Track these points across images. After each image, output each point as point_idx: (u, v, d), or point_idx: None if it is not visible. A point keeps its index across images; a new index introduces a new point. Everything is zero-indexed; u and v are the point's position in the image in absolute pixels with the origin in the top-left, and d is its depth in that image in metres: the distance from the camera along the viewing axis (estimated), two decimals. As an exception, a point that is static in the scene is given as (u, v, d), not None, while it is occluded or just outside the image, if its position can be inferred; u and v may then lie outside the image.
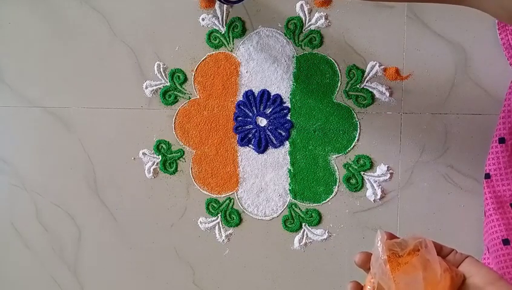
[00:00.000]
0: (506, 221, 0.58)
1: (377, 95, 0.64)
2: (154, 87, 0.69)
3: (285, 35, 0.66)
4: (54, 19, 0.72)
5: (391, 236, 0.40)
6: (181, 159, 0.69)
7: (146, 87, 0.69)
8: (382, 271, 0.38)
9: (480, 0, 0.34)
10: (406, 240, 0.40)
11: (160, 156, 0.69)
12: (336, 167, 0.65)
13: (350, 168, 0.65)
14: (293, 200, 0.66)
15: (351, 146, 0.65)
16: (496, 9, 0.33)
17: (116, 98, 0.70)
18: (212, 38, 0.68)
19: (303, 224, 0.66)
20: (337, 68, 0.65)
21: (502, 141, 0.59)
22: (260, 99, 0.67)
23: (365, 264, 0.41)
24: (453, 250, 0.41)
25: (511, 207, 0.58)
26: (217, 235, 0.68)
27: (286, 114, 0.67)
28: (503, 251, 0.57)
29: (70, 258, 0.71)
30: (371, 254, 0.40)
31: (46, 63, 0.72)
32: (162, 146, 0.69)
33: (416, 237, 0.40)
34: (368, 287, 0.39)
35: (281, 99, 0.67)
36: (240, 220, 0.68)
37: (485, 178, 0.60)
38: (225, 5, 0.66)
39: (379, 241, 0.39)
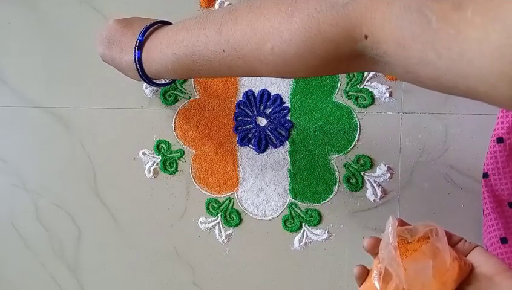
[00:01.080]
0: (504, 220, 0.58)
1: (377, 95, 0.64)
2: (154, 87, 0.69)
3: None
4: (54, 19, 0.72)
5: (402, 223, 0.41)
6: (181, 159, 0.69)
7: (146, 87, 0.69)
8: (391, 257, 0.38)
9: (387, 67, 0.36)
10: (417, 227, 0.40)
11: (160, 156, 0.69)
12: (336, 167, 0.65)
13: (350, 168, 0.65)
14: (293, 200, 0.66)
15: (351, 146, 0.65)
16: (402, 74, 0.35)
17: (116, 98, 0.70)
18: (212, 38, 0.68)
19: (303, 224, 0.66)
20: (337, 68, 0.65)
21: (500, 140, 0.59)
22: (260, 99, 0.67)
23: (374, 249, 0.41)
24: (462, 239, 0.42)
25: (509, 206, 0.59)
26: (217, 235, 0.68)
27: (286, 114, 0.67)
28: (501, 250, 0.58)
29: (70, 258, 0.71)
30: (380, 239, 0.41)
31: (46, 63, 0.72)
32: (162, 146, 0.69)
33: (427, 225, 0.40)
34: (375, 271, 0.40)
35: (281, 99, 0.67)
36: (240, 220, 0.68)
37: (483, 177, 0.60)
38: None
39: (390, 227, 0.39)
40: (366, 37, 0.35)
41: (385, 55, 0.34)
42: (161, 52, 0.49)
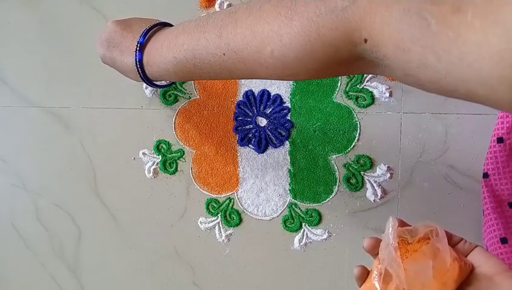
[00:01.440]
0: (504, 220, 0.58)
1: (377, 95, 0.64)
2: (155, 87, 0.69)
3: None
4: (54, 19, 0.72)
5: (403, 223, 0.41)
6: (181, 159, 0.69)
7: (146, 87, 0.69)
8: (391, 258, 0.38)
9: (386, 70, 0.36)
10: (417, 227, 0.40)
11: (160, 156, 0.69)
12: (336, 167, 0.65)
13: (350, 168, 0.65)
14: (293, 200, 0.66)
15: (351, 146, 0.65)
16: (402, 77, 0.35)
17: (116, 98, 0.70)
18: (212, 38, 0.68)
19: (303, 224, 0.66)
20: (337, 68, 0.65)
21: (500, 140, 0.59)
22: (260, 99, 0.67)
23: (374, 249, 0.41)
24: (462, 239, 0.42)
25: (509, 206, 0.59)
26: (217, 235, 0.68)
27: (286, 114, 0.67)
28: (501, 250, 0.58)
29: (70, 258, 0.71)
30: (380, 240, 0.41)
31: (46, 63, 0.72)
32: (162, 146, 0.69)
33: (428, 225, 0.40)
34: (375, 272, 0.40)
35: (281, 99, 0.67)
36: (240, 220, 0.68)
37: (483, 177, 0.60)
38: None
39: (390, 228, 0.40)
40: (365, 40, 0.35)
41: (385, 58, 0.34)
42: (162, 55, 0.49)
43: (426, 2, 0.31)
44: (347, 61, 0.38)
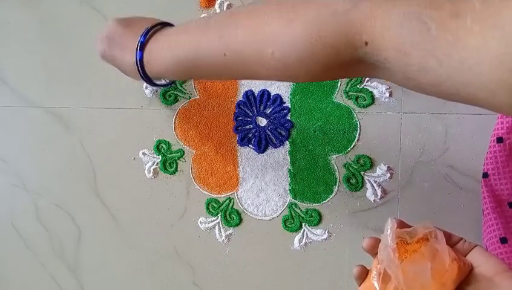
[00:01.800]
0: (504, 220, 0.58)
1: (377, 95, 0.64)
2: (154, 87, 0.69)
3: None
4: (54, 19, 0.72)
5: (402, 224, 0.41)
6: (181, 159, 0.69)
7: (146, 87, 0.69)
8: (390, 259, 0.38)
9: (387, 73, 0.36)
10: (416, 229, 0.40)
11: (160, 156, 0.69)
12: (336, 167, 0.65)
13: (350, 168, 0.65)
14: (293, 200, 0.66)
15: (351, 146, 0.65)
16: (402, 80, 0.35)
17: (116, 98, 0.70)
18: (212, 38, 0.68)
19: (303, 224, 0.66)
20: (337, 68, 0.65)
21: (499, 140, 0.59)
22: (260, 99, 0.67)
23: (373, 249, 0.41)
24: (462, 239, 0.42)
25: (508, 206, 0.59)
26: (217, 235, 0.68)
27: (286, 114, 0.67)
28: (501, 250, 0.58)
29: (70, 258, 0.71)
30: (380, 239, 0.41)
31: (46, 63, 0.72)
32: (162, 146, 0.69)
33: (426, 227, 0.40)
34: (374, 272, 0.40)
35: (281, 99, 0.67)
36: (240, 220, 0.68)
37: (483, 177, 0.60)
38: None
39: (389, 230, 0.40)
40: (366, 43, 0.35)
41: (386, 62, 0.35)
42: (162, 55, 0.49)
43: (426, 6, 0.31)
44: (348, 64, 0.38)
